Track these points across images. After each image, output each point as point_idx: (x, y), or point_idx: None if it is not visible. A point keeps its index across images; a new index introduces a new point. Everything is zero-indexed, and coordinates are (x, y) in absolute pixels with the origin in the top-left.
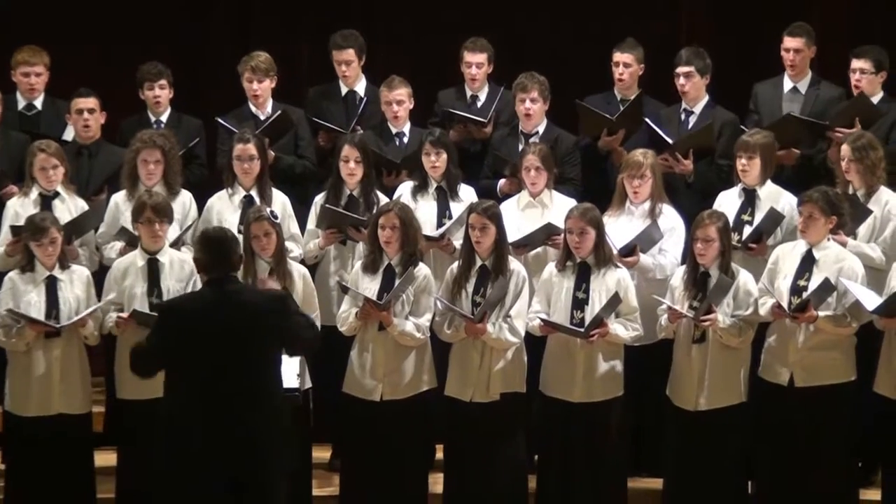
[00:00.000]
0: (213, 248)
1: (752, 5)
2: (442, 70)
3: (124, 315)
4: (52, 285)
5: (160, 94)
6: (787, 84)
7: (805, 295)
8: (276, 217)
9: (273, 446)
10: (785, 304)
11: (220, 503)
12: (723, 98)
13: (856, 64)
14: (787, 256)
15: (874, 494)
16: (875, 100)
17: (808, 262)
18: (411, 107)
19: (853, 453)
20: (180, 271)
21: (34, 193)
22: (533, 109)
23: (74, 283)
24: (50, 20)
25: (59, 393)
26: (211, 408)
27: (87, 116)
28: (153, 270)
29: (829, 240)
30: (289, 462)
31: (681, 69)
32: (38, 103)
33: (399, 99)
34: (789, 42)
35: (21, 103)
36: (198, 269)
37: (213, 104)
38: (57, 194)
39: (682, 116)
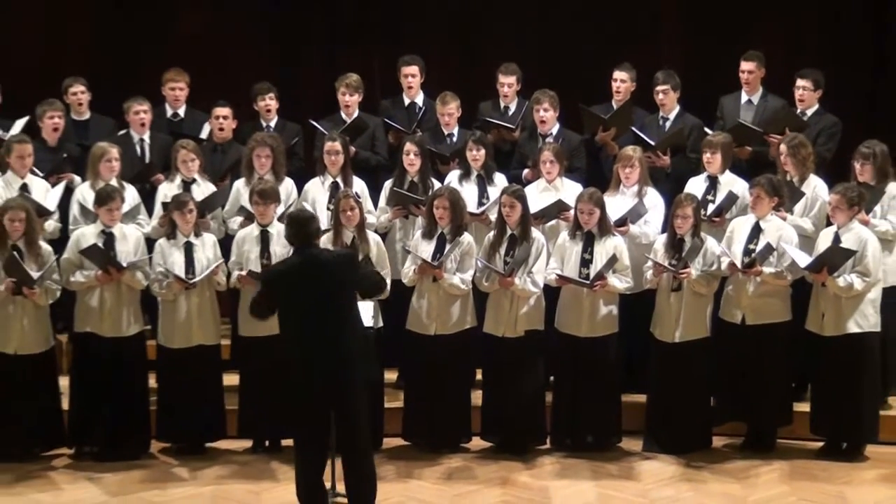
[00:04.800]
0: (294, 225)
1: (714, 36)
2: (485, 86)
3: (243, 273)
4: (189, 248)
5: (269, 104)
6: (744, 97)
7: (753, 256)
8: (358, 197)
9: (356, 363)
10: (738, 263)
11: (319, 403)
12: (692, 107)
13: (799, 83)
14: (740, 227)
15: (804, 406)
16: (811, 111)
17: (756, 231)
18: (459, 115)
19: (790, 375)
20: (284, 239)
21: (177, 180)
22: (546, 117)
23: (206, 247)
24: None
25: (197, 329)
26: (307, 337)
27: (221, 122)
28: (265, 239)
29: (772, 214)
30: (370, 375)
31: (659, 87)
32: (182, 112)
33: (450, 112)
34: (745, 65)
35: (168, 112)
36: (287, 241)
37: (310, 112)
38: (194, 180)
39: (660, 122)
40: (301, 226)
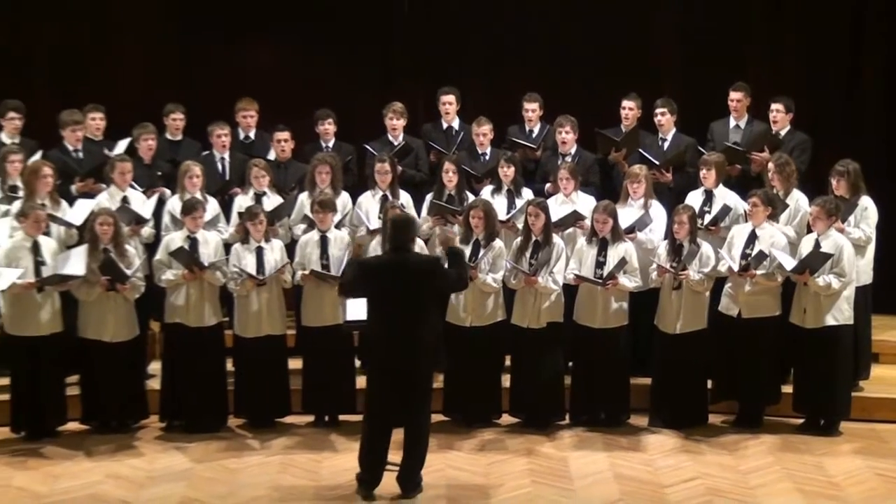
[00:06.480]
0: (394, 227)
1: (707, 71)
2: (512, 112)
3: (306, 272)
4: (259, 252)
5: (328, 128)
6: (732, 122)
7: (748, 261)
8: (404, 208)
9: (427, 354)
10: (736, 267)
11: (391, 384)
12: (687, 130)
13: (773, 107)
14: (739, 233)
15: (788, 388)
16: (784, 131)
17: (752, 239)
18: (492, 137)
19: (778, 360)
20: (340, 243)
21: (250, 193)
22: (567, 138)
23: (274, 250)
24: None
25: (266, 321)
26: (389, 327)
27: (282, 143)
28: (324, 243)
29: (766, 223)
30: (437, 364)
31: (658, 111)
32: (252, 134)
33: (484, 133)
34: (733, 94)
35: (241, 135)
36: (385, 238)
37: (362, 135)
38: (264, 193)
39: (659, 142)
40: (399, 229)
